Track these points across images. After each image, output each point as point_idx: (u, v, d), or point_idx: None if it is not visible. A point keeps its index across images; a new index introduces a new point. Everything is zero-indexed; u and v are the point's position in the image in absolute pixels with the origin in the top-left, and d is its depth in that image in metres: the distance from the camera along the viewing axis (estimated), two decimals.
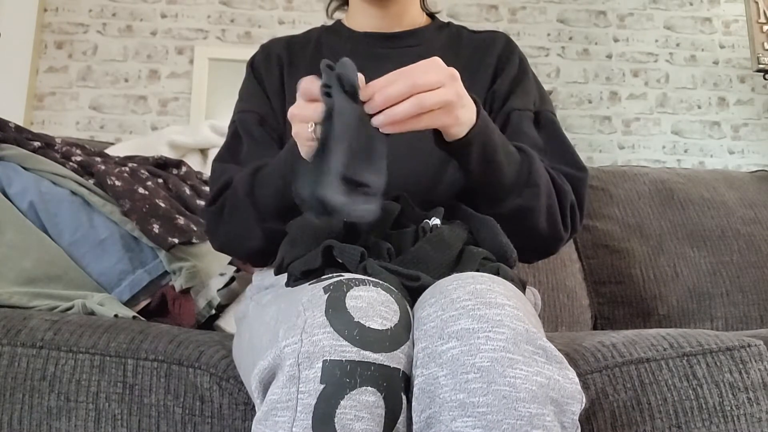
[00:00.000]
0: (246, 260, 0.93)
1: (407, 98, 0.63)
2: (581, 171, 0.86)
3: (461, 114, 0.68)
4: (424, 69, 0.65)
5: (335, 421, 0.51)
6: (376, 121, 0.63)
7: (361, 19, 0.96)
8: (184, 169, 1.38)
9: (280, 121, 0.91)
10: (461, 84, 0.68)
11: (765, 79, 3.36)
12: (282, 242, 0.76)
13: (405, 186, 0.79)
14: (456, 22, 1.01)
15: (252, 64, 0.96)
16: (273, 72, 0.93)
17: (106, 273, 1.13)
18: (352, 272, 0.66)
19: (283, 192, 0.76)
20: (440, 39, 0.96)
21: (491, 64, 0.92)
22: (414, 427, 0.55)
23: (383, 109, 0.63)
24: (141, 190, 1.19)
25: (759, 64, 3.22)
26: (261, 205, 0.80)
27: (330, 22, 1.02)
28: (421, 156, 0.83)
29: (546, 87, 3.95)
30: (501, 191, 0.77)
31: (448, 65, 0.91)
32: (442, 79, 0.65)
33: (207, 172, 1.46)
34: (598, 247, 1.49)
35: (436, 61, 0.67)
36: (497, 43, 0.94)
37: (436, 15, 1.01)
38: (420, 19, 0.98)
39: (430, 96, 0.64)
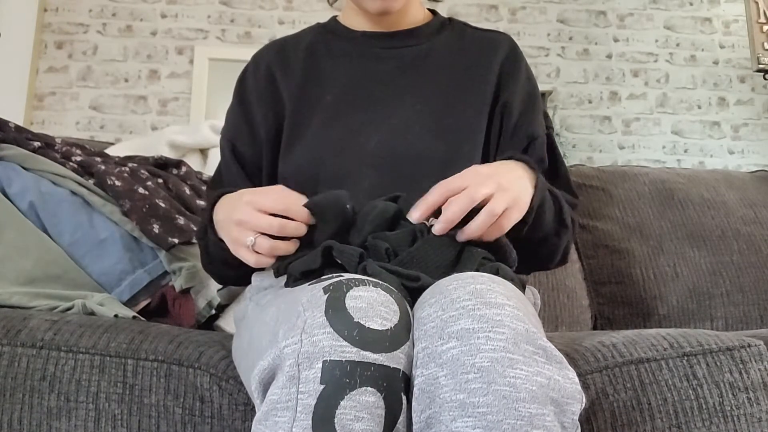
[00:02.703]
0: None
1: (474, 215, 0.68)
2: (576, 198, 0.91)
3: (516, 214, 0.71)
4: (466, 184, 0.69)
5: (335, 421, 0.51)
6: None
7: (357, 17, 0.94)
8: (184, 169, 1.38)
9: (262, 133, 0.91)
10: (510, 182, 0.71)
11: (765, 79, 3.36)
12: None
13: (408, 189, 0.78)
14: (460, 19, 0.99)
15: (242, 80, 0.95)
16: (261, 84, 0.92)
17: (106, 273, 1.13)
18: (351, 273, 0.66)
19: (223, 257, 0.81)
20: (442, 37, 0.94)
21: (494, 68, 0.90)
22: (414, 427, 0.55)
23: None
24: (141, 190, 1.19)
25: (759, 64, 3.22)
26: (210, 255, 0.88)
27: (329, 16, 1.01)
28: (424, 160, 0.83)
29: (546, 87, 3.98)
30: (540, 237, 0.81)
31: (451, 64, 0.91)
32: (493, 189, 0.69)
33: (207, 172, 1.46)
34: (598, 247, 1.49)
35: (476, 171, 0.71)
36: (502, 46, 0.92)
37: (437, 11, 0.99)
38: (420, 16, 0.95)
39: (490, 211, 0.68)
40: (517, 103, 0.89)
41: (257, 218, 0.70)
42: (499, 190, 0.68)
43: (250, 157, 0.91)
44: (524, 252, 0.78)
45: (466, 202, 0.67)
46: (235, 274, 0.89)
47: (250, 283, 0.89)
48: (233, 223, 0.73)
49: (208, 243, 0.85)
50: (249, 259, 0.72)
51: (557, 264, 0.89)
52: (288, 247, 0.71)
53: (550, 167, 0.89)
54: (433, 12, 0.99)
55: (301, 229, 0.70)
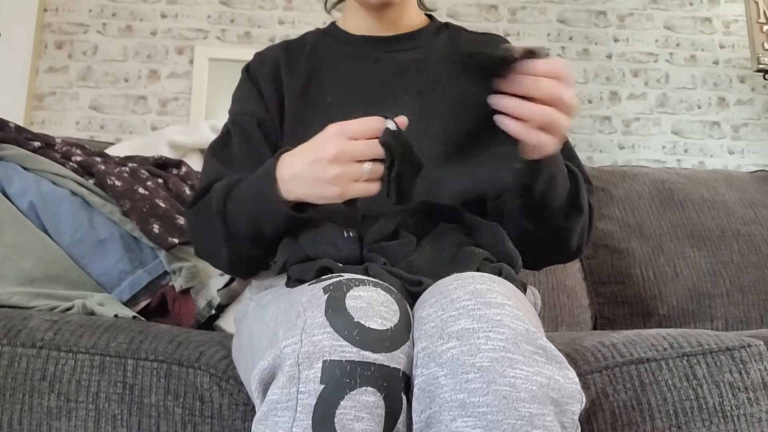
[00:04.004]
0: (220, 270, 0.93)
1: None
2: (591, 185, 0.87)
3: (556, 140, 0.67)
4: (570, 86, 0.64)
5: (335, 421, 0.51)
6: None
7: (357, 21, 0.95)
8: (184, 169, 1.38)
9: (277, 125, 0.90)
10: None
11: (765, 79, 3.36)
12: (282, 241, 0.76)
13: None
14: (455, 22, 1.00)
15: (247, 70, 0.95)
16: (267, 76, 0.92)
17: (106, 273, 1.13)
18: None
19: (254, 222, 0.75)
20: (439, 41, 0.95)
21: None
22: (414, 427, 0.55)
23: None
24: (141, 190, 1.19)
25: (759, 64, 3.22)
26: (231, 227, 0.78)
27: (328, 20, 1.02)
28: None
29: None
30: (552, 212, 0.76)
31: (447, 67, 0.92)
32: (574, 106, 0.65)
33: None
34: (598, 247, 1.49)
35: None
36: (495, 45, 0.93)
37: (434, 15, 1.01)
38: (417, 20, 0.97)
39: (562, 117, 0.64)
40: None
41: (357, 146, 0.65)
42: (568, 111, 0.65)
43: (272, 133, 0.90)
44: (534, 237, 0.76)
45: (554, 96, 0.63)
46: (255, 254, 0.81)
47: (260, 269, 0.85)
48: (327, 161, 0.66)
49: (231, 219, 0.77)
50: (366, 189, 0.67)
51: (575, 252, 0.84)
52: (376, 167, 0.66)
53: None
54: (430, 17, 1.00)
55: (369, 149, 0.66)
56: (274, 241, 0.75)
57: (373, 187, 0.67)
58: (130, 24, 3.67)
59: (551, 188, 0.74)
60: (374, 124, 0.66)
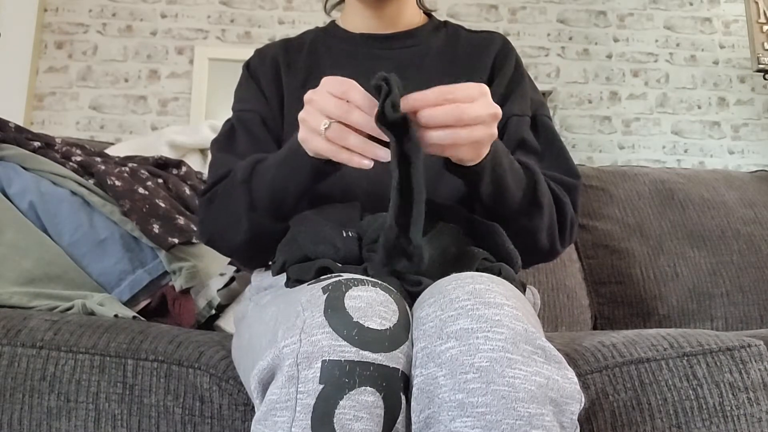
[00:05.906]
0: (230, 256, 0.92)
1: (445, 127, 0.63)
2: (575, 178, 0.87)
3: (484, 151, 0.68)
4: (471, 98, 0.63)
5: (334, 421, 0.51)
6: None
7: (356, 20, 0.96)
8: (184, 169, 1.38)
9: (279, 122, 0.91)
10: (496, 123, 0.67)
11: (765, 79, 3.36)
12: (281, 242, 0.76)
13: None
14: (455, 22, 1.01)
15: (248, 67, 0.96)
16: (268, 74, 0.93)
17: (106, 273, 1.13)
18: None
19: (281, 189, 0.76)
20: (438, 39, 0.96)
21: (488, 65, 0.92)
22: (413, 427, 0.55)
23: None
24: (141, 190, 1.19)
25: (759, 64, 3.23)
26: (255, 197, 0.79)
27: (328, 20, 1.02)
28: None
29: (546, 87, 3.98)
30: (508, 213, 0.77)
31: (445, 65, 0.92)
32: (485, 117, 0.64)
33: (207, 171, 1.46)
34: (598, 247, 1.49)
35: (485, 91, 0.65)
36: (494, 43, 0.94)
37: (433, 14, 1.02)
38: (416, 19, 0.98)
39: (467, 133, 0.64)
40: (501, 90, 0.90)
41: (326, 98, 0.64)
42: (489, 123, 0.65)
43: (275, 129, 0.90)
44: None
45: (454, 117, 0.62)
46: (274, 230, 0.79)
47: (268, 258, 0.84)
48: (306, 103, 0.67)
49: (256, 191, 0.78)
50: (322, 147, 0.65)
51: (550, 250, 0.83)
52: (358, 142, 0.64)
53: (541, 148, 0.88)
54: (428, 15, 1.01)
55: (366, 123, 0.63)
56: (295, 210, 0.76)
57: (330, 150, 0.65)
58: (130, 24, 3.67)
59: (500, 190, 0.74)
60: (346, 87, 0.64)
